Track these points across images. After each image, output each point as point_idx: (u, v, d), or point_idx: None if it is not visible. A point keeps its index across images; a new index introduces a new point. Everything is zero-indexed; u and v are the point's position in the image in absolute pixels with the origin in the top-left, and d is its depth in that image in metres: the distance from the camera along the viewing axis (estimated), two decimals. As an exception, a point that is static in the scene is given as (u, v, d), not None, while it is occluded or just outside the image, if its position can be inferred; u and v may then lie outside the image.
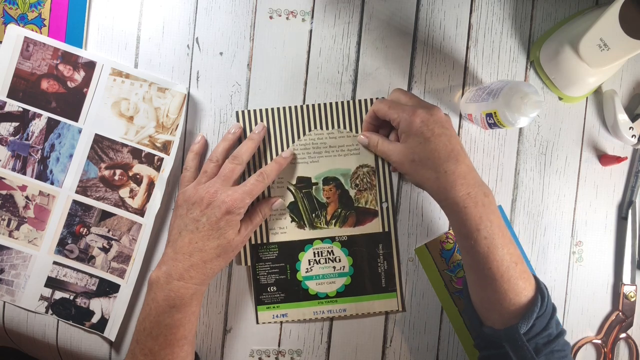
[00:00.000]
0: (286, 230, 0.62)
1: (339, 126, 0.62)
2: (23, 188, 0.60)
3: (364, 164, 0.62)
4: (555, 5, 0.63)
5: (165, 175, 0.61)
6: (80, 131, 0.60)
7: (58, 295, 0.61)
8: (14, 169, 0.60)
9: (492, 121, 0.53)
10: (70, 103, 0.60)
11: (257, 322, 0.63)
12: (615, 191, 0.64)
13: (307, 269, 0.62)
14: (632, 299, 0.63)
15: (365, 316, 0.63)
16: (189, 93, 0.62)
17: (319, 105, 0.62)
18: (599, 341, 0.64)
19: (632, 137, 0.60)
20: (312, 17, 0.62)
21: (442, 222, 0.63)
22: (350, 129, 0.62)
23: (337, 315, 0.63)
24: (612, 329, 0.64)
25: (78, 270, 0.61)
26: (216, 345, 0.63)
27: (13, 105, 0.60)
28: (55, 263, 0.61)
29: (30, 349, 0.65)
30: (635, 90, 0.64)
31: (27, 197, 0.60)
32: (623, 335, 0.64)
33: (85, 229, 0.61)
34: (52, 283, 0.61)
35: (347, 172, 0.62)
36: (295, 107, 0.62)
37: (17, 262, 0.60)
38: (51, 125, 0.60)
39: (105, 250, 0.61)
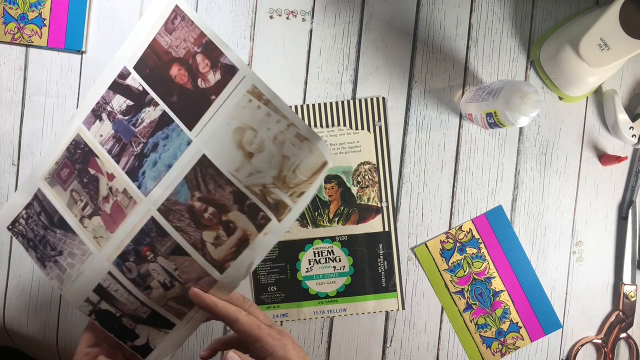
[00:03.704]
0: (289, 230, 0.62)
1: (339, 124, 0.62)
2: (110, 177, 0.51)
3: (365, 161, 0.62)
4: (555, 4, 0.63)
5: (267, 241, 0.48)
6: (189, 143, 0.49)
7: (105, 306, 0.52)
8: (109, 152, 0.50)
9: (492, 121, 0.53)
10: (192, 105, 0.49)
11: (257, 322, 0.63)
12: (616, 191, 0.64)
13: (308, 268, 0.62)
14: (633, 299, 0.63)
15: (366, 316, 0.63)
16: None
17: (319, 104, 0.62)
18: (599, 341, 0.64)
19: (633, 136, 0.60)
20: (313, 16, 0.62)
21: (442, 222, 0.63)
22: (350, 127, 0.62)
23: (337, 315, 0.63)
24: (612, 328, 0.63)
25: (130, 293, 0.51)
26: (216, 345, 0.63)
27: (135, 80, 0.49)
28: (110, 274, 0.51)
29: (30, 349, 0.64)
30: (636, 90, 0.64)
31: (110, 189, 0.51)
32: (623, 335, 0.64)
33: (152, 255, 0.50)
34: (102, 292, 0.52)
35: (349, 169, 0.62)
36: (296, 106, 0.62)
37: (76, 252, 0.52)
38: (163, 121, 0.49)
39: (166, 287, 0.51)
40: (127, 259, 0.51)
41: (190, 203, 0.49)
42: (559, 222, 0.64)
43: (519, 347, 0.63)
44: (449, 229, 0.63)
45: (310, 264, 0.62)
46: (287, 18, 0.62)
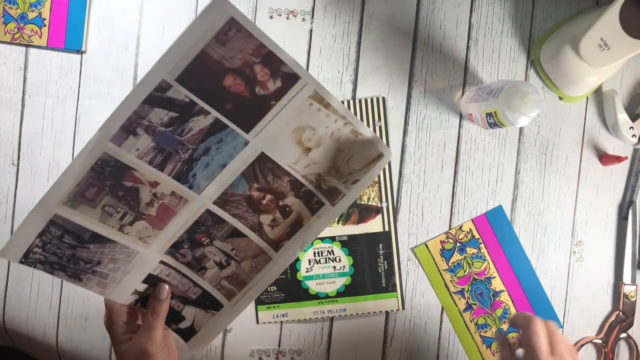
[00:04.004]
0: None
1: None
2: (154, 184, 0.51)
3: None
4: (555, 4, 0.63)
5: (320, 223, 0.55)
6: (245, 144, 0.51)
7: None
8: (150, 162, 0.50)
9: (492, 121, 0.53)
10: (249, 111, 0.50)
11: (258, 322, 0.63)
12: (616, 191, 0.64)
13: (307, 268, 0.62)
14: (633, 299, 0.63)
15: (366, 316, 0.63)
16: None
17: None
18: (600, 341, 0.64)
19: (633, 136, 0.60)
20: (312, 16, 0.62)
21: (442, 222, 0.63)
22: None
23: (337, 315, 0.63)
24: (612, 328, 0.63)
25: (183, 275, 0.55)
26: (216, 345, 0.63)
27: (179, 92, 0.48)
28: (162, 262, 0.54)
29: (30, 349, 0.64)
30: (636, 89, 0.64)
31: (154, 195, 0.52)
32: (623, 335, 0.64)
33: (208, 240, 0.54)
34: (151, 280, 0.54)
35: (348, 171, 0.62)
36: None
37: (119, 256, 0.53)
38: (216, 127, 0.50)
39: (221, 266, 0.55)
40: (180, 247, 0.54)
41: (249, 193, 0.53)
42: (559, 222, 0.64)
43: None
44: (449, 229, 0.63)
45: (310, 264, 0.62)
46: (287, 18, 0.62)
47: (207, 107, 0.49)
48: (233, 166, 0.52)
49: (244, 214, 0.54)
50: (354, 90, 0.62)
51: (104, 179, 0.50)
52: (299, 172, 0.53)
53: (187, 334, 0.56)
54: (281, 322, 0.63)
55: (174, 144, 0.50)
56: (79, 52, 0.62)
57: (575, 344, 0.64)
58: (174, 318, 0.55)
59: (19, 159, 0.63)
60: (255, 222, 0.55)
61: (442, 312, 0.63)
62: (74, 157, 0.59)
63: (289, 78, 0.49)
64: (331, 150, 0.53)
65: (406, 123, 0.63)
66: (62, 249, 0.51)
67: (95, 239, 0.51)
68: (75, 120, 0.63)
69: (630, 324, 0.64)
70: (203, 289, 0.55)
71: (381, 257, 0.63)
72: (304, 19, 0.62)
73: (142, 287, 0.54)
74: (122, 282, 0.53)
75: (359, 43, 0.63)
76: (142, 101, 0.47)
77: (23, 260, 0.50)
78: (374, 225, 0.62)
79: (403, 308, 0.63)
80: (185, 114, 0.49)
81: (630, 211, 0.63)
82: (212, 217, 0.53)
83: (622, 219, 0.64)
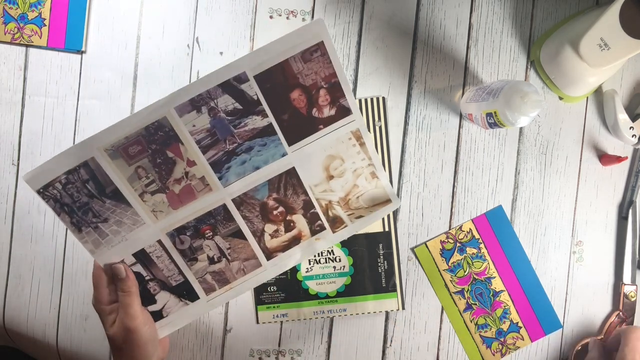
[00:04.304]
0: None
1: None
2: (191, 163, 0.54)
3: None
4: (555, 4, 0.63)
5: (317, 245, 0.59)
6: (283, 155, 0.56)
7: (137, 268, 0.56)
8: (198, 142, 0.54)
9: (492, 121, 0.53)
10: (299, 127, 0.55)
11: (257, 322, 0.63)
12: (616, 191, 0.64)
13: (307, 268, 0.62)
14: (633, 299, 0.63)
15: (366, 316, 0.63)
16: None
17: (319, 105, 0.62)
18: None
19: (633, 136, 0.60)
20: (313, 16, 0.62)
21: (442, 222, 0.63)
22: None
23: (337, 315, 0.63)
24: (612, 328, 0.63)
25: (172, 261, 0.57)
26: (216, 345, 0.63)
27: (252, 89, 0.53)
28: (159, 242, 0.56)
29: (30, 349, 0.65)
30: (636, 89, 0.64)
31: (186, 173, 0.55)
32: (623, 335, 0.64)
33: (211, 233, 0.57)
34: (141, 256, 0.56)
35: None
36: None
37: (126, 221, 0.55)
38: (266, 131, 0.55)
39: (212, 261, 0.58)
40: (183, 233, 0.56)
41: (265, 200, 0.57)
42: (559, 222, 0.64)
43: (519, 347, 0.63)
44: (449, 229, 0.63)
45: (310, 264, 0.62)
46: (287, 18, 0.62)
47: (267, 110, 0.54)
48: (264, 171, 0.56)
49: (253, 218, 0.57)
50: (354, 90, 0.62)
51: (151, 141, 0.53)
52: (315, 194, 0.58)
53: (154, 318, 0.57)
54: (281, 322, 0.63)
55: (225, 133, 0.54)
56: (79, 52, 0.62)
57: (576, 344, 0.64)
58: (146, 300, 0.57)
59: (19, 159, 0.63)
60: (259, 229, 0.58)
61: (442, 312, 0.63)
62: (134, 111, 0.61)
63: (343, 110, 0.56)
64: (349, 184, 0.58)
65: (406, 123, 0.63)
66: (80, 193, 0.53)
67: (114, 196, 0.53)
68: (75, 120, 0.63)
69: (630, 324, 0.63)
70: (185, 279, 0.57)
71: (381, 257, 0.63)
72: (304, 19, 0.62)
73: (130, 259, 0.56)
74: (116, 247, 0.55)
75: (359, 43, 0.63)
76: (219, 84, 0.52)
77: (41, 190, 0.52)
78: (374, 225, 0.62)
79: (403, 308, 0.63)
80: (248, 109, 0.53)
81: (631, 211, 0.63)
82: (225, 212, 0.56)
83: (622, 218, 0.64)
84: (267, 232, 0.58)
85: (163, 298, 0.57)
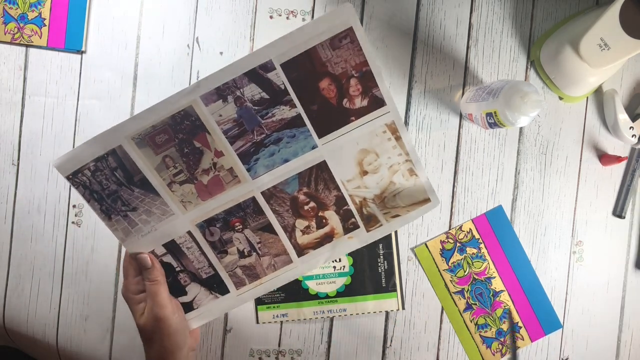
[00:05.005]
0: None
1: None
2: (218, 154, 0.53)
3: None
4: (555, 4, 0.63)
5: (350, 243, 0.57)
6: (313, 147, 0.54)
7: (167, 259, 0.56)
8: (225, 132, 0.52)
9: (492, 121, 0.53)
10: (329, 118, 0.53)
11: (257, 322, 0.63)
12: (616, 191, 0.64)
13: (307, 268, 0.62)
14: (633, 299, 0.63)
15: (366, 316, 0.63)
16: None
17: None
18: (600, 341, 0.64)
19: (633, 136, 0.60)
20: (313, 16, 0.62)
21: (442, 222, 0.63)
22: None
23: (337, 315, 0.63)
24: (612, 328, 0.63)
25: (203, 253, 0.56)
26: (216, 345, 0.63)
27: (279, 77, 0.51)
28: (189, 233, 0.55)
29: (30, 349, 0.64)
30: (636, 89, 0.64)
31: (214, 164, 0.53)
32: (623, 335, 0.64)
33: (241, 226, 0.56)
34: (171, 247, 0.55)
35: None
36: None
37: (155, 211, 0.54)
38: (294, 122, 0.53)
39: (242, 255, 0.56)
40: (213, 224, 0.55)
41: (296, 195, 0.55)
42: (559, 222, 0.64)
43: (519, 347, 0.63)
44: (449, 229, 0.63)
45: (310, 264, 0.62)
46: (287, 18, 0.62)
47: (295, 100, 0.52)
48: (294, 164, 0.54)
49: (283, 213, 0.56)
50: (354, 90, 0.62)
51: (178, 130, 0.52)
52: (348, 190, 0.56)
53: (185, 309, 0.57)
54: (281, 322, 0.63)
55: (253, 123, 0.52)
56: (79, 52, 0.62)
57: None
58: (176, 291, 0.56)
59: (19, 159, 0.63)
60: (290, 224, 0.56)
61: (442, 312, 0.63)
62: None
63: (376, 101, 0.53)
64: (384, 180, 0.55)
65: (406, 123, 0.63)
66: (109, 181, 0.53)
67: (142, 185, 0.53)
68: (75, 120, 0.63)
69: (630, 324, 0.64)
70: (216, 272, 0.57)
71: (381, 257, 0.63)
72: (304, 19, 0.62)
73: (160, 250, 0.55)
74: (147, 237, 0.55)
75: (359, 43, 0.62)
76: (245, 72, 0.50)
77: (71, 177, 0.52)
78: (374, 225, 0.62)
79: (403, 308, 0.63)
80: (275, 99, 0.52)
81: (630, 211, 0.63)
82: (254, 205, 0.55)
83: (622, 218, 0.64)
84: (299, 228, 0.56)
85: (194, 290, 0.57)
